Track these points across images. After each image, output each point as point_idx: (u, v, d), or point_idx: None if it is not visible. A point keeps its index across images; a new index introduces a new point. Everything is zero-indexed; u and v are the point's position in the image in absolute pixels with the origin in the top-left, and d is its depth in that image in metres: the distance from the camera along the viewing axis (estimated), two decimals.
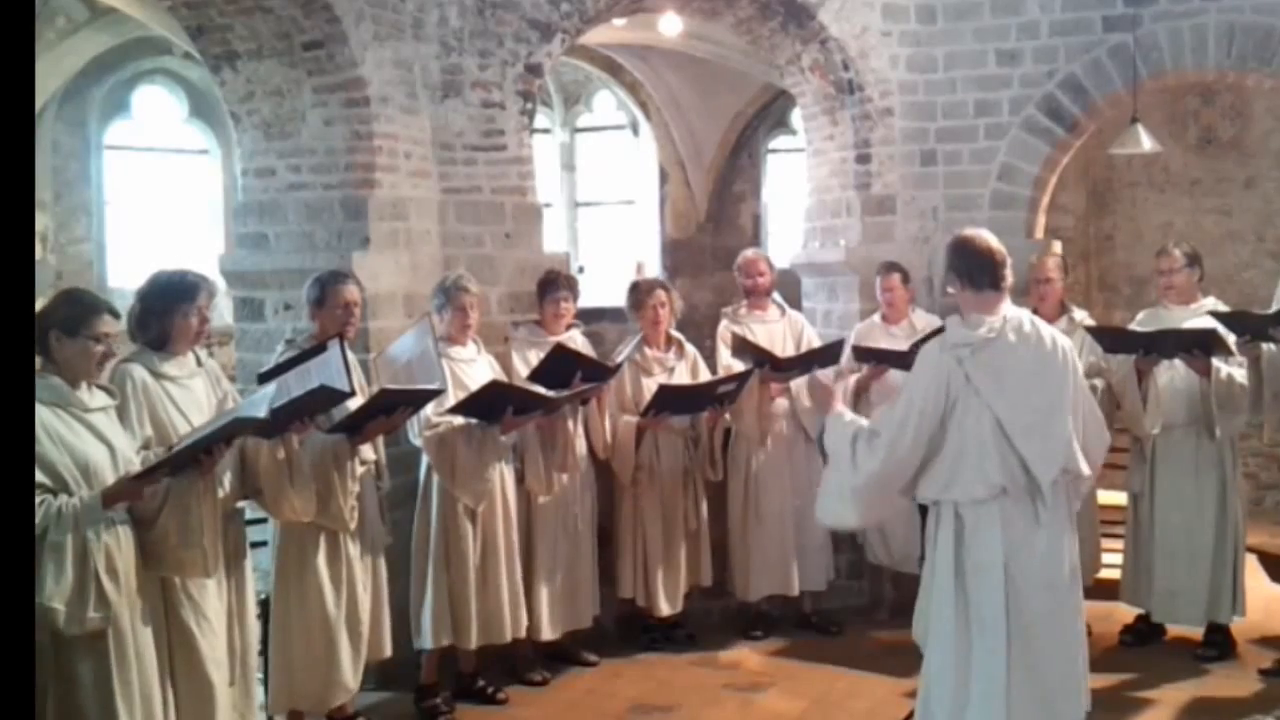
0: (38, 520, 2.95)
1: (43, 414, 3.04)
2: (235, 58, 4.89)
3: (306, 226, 4.92)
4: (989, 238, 3.45)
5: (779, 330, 5.60)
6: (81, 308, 3.20)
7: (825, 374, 5.32)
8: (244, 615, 3.70)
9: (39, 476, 3.00)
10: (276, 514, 3.88)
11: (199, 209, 8.97)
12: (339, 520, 4.05)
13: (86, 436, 3.15)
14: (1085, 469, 3.45)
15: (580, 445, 5.00)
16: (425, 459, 4.65)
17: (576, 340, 5.17)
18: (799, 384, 5.41)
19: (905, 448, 3.34)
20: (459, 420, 4.52)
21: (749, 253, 5.86)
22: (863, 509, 3.53)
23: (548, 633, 4.96)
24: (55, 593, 2.96)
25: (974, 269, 3.38)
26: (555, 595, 4.96)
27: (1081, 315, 5.40)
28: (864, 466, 3.40)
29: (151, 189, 8.89)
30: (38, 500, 2.97)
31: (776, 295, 5.76)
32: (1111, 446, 5.61)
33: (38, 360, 3.13)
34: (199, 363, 3.70)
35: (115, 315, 3.26)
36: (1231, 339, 4.75)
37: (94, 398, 3.23)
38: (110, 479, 3.13)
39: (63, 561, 2.97)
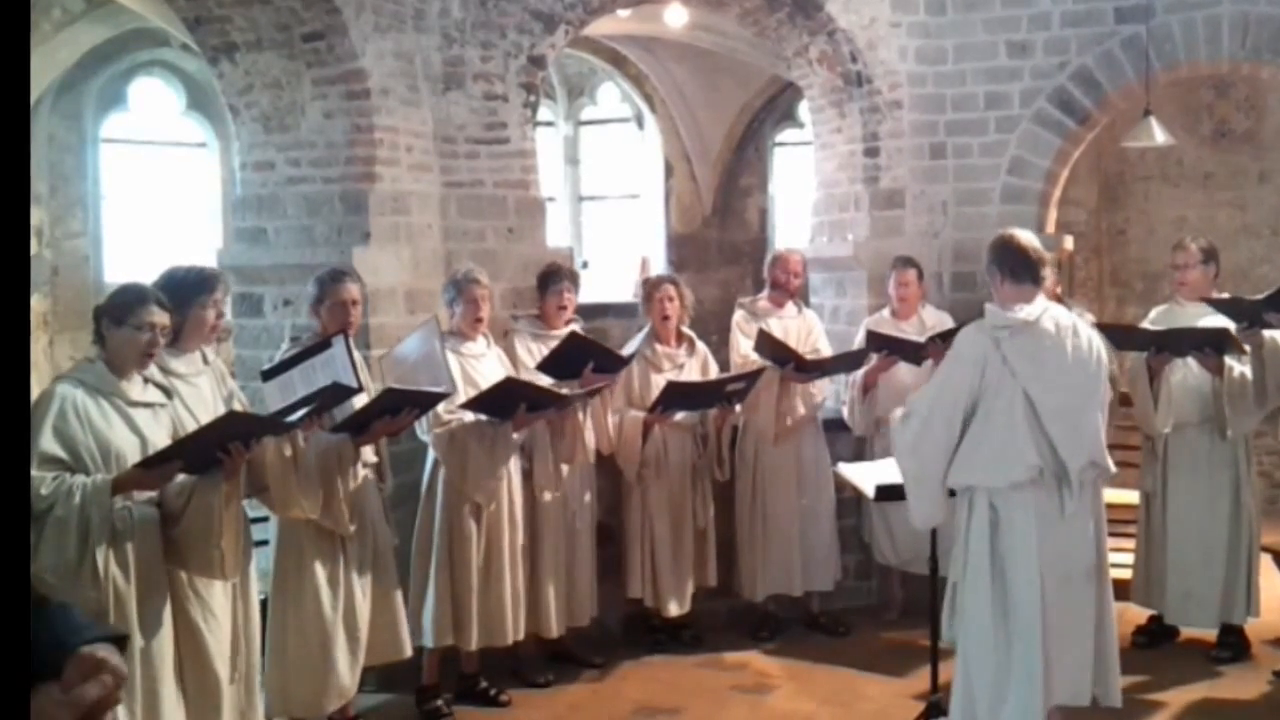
0: (46, 492, 3.03)
1: (79, 397, 3.17)
2: (234, 49, 4.85)
3: (306, 221, 4.88)
4: (1032, 237, 3.65)
5: (794, 327, 5.54)
6: (129, 297, 3.30)
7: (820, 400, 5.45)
8: (248, 612, 3.67)
9: (59, 452, 3.09)
10: (283, 511, 3.85)
11: (197, 203, 8.89)
12: (340, 522, 4.00)
13: (119, 425, 3.22)
14: (1111, 465, 3.58)
15: (589, 438, 4.93)
16: (429, 458, 4.60)
17: (579, 331, 5.10)
18: (820, 382, 5.39)
19: (938, 427, 3.47)
20: (469, 417, 4.46)
21: (788, 250, 5.75)
22: (916, 500, 3.57)
23: (554, 630, 4.90)
24: (50, 566, 3.02)
25: (1016, 264, 3.56)
26: (559, 593, 4.91)
27: (1078, 311, 5.32)
28: (901, 449, 3.59)
29: (148, 183, 8.80)
30: (52, 475, 3.06)
31: None
32: (1123, 445, 5.65)
33: (94, 349, 3.30)
34: (205, 360, 3.71)
35: (164, 307, 3.32)
36: (1233, 328, 4.71)
37: (145, 392, 3.31)
38: None
39: (65, 537, 3.05)
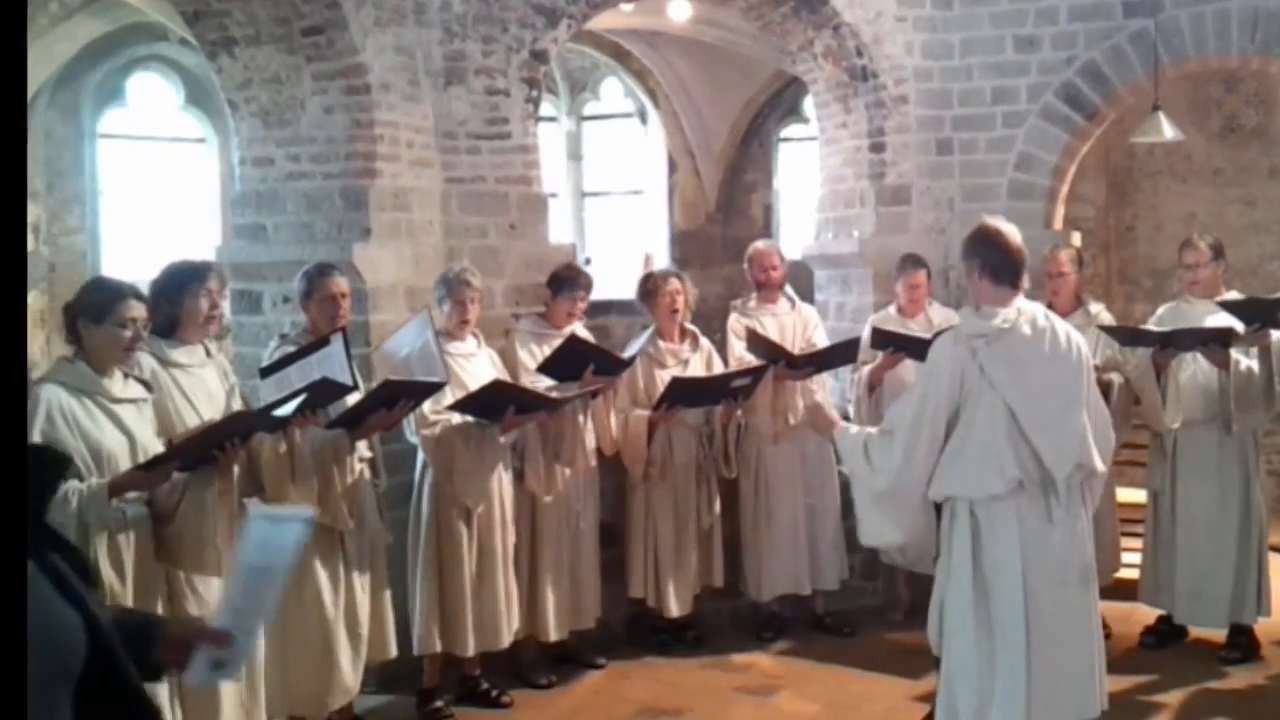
0: None
1: (64, 399, 3.11)
2: (233, 44, 4.81)
3: (306, 217, 4.85)
4: (1017, 236, 3.48)
5: (789, 323, 5.48)
6: (106, 294, 3.23)
7: (824, 397, 5.33)
8: None
9: None
10: None
11: (195, 199, 8.84)
12: (338, 517, 3.96)
13: (106, 425, 3.17)
14: (1099, 465, 3.47)
15: (589, 441, 4.89)
16: (419, 459, 4.55)
17: (579, 333, 5.06)
18: (820, 379, 5.33)
19: (924, 445, 3.34)
20: (456, 418, 4.41)
21: (761, 245, 5.71)
22: (896, 517, 3.48)
23: (554, 634, 4.86)
24: None
25: (1000, 265, 3.40)
26: (561, 596, 4.87)
27: (1098, 309, 5.30)
28: (883, 468, 3.41)
29: (147, 179, 8.75)
30: None
31: (788, 288, 5.64)
32: (1132, 443, 5.60)
33: (69, 349, 3.24)
34: (209, 354, 3.70)
35: (141, 299, 3.28)
36: (1242, 329, 4.66)
37: (126, 388, 3.26)
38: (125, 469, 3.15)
39: None
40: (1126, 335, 5.12)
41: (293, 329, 4.30)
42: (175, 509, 3.25)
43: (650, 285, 5.22)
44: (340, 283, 4.18)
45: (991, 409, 3.30)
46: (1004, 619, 3.34)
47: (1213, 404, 4.89)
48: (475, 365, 4.58)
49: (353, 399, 3.98)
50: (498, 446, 4.51)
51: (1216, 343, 4.73)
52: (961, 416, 3.33)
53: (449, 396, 4.36)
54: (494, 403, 4.39)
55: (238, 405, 3.69)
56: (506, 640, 4.59)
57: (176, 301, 3.57)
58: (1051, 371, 3.38)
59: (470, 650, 4.52)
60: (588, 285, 5.04)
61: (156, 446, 3.27)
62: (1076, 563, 3.43)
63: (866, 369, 5.34)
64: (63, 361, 3.26)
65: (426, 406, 4.32)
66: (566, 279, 4.99)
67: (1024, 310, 3.40)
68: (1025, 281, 3.46)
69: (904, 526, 3.55)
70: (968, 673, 3.39)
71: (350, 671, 4.06)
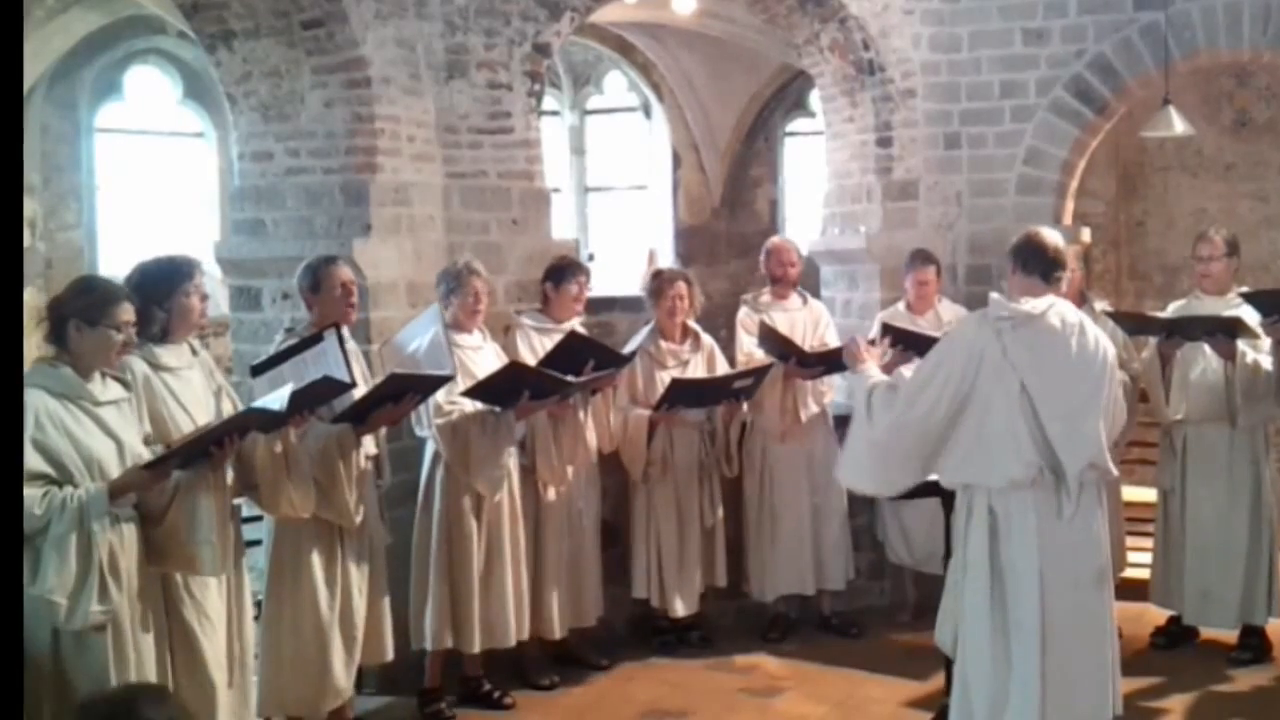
0: (40, 511, 2.91)
1: (50, 404, 3.02)
2: (231, 37, 4.77)
3: (305, 212, 4.81)
4: (1058, 237, 3.58)
5: (800, 320, 5.44)
6: (101, 296, 3.15)
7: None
8: (242, 615, 3.60)
9: (43, 466, 2.97)
10: (273, 510, 3.76)
11: (193, 194, 8.80)
12: (344, 513, 3.92)
13: (94, 431, 3.09)
14: (1113, 468, 3.48)
15: (590, 438, 4.87)
16: (427, 455, 4.53)
17: (578, 329, 5.02)
18: (829, 378, 5.28)
19: (924, 406, 3.37)
20: (470, 406, 4.39)
21: (779, 240, 5.69)
22: (877, 469, 3.53)
23: (557, 631, 4.84)
24: (57, 586, 2.92)
25: (1030, 256, 3.49)
26: (564, 594, 4.84)
27: (1101, 306, 5.27)
28: (878, 418, 3.46)
29: (144, 173, 8.70)
30: (41, 491, 2.94)
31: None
32: (1141, 441, 5.55)
33: (51, 349, 3.12)
34: (194, 352, 3.63)
35: (133, 303, 3.21)
36: (1257, 321, 4.62)
37: (106, 390, 3.18)
38: (116, 474, 3.08)
39: (65, 554, 2.94)
40: (1132, 322, 5.12)
41: (297, 323, 4.25)
42: (166, 509, 3.19)
43: (657, 284, 5.21)
44: (347, 272, 4.16)
45: (1010, 391, 3.32)
46: (1020, 618, 3.34)
47: (1224, 403, 4.84)
48: (482, 358, 4.57)
49: (356, 393, 3.93)
50: (512, 432, 4.50)
51: (1223, 333, 4.69)
52: (977, 398, 3.34)
53: (460, 387, 4.35)
54: (509, 388, 4.38)
55: (227, 405, 3.62)
56: (514, 638, 4.57)
57: (170, 304, 3.48)
58: (1075, 366, 3.39)
59: (476, 647, 4.49)
60: (586, 270, 5.03)
61: (140, 447, 3.20)
62: (1092, 564, 3.42)
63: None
64: (43, 364, 3.12)
65: (440, 396, 4.31)
66: (564, 268, 4.97)
67: (1056, 304, 3.44)
68: (1061, 283, 3.52)
69: (881, 479, 3.60)
70: (983, 673, 3.39)
71: (343, 674, 4.01)
